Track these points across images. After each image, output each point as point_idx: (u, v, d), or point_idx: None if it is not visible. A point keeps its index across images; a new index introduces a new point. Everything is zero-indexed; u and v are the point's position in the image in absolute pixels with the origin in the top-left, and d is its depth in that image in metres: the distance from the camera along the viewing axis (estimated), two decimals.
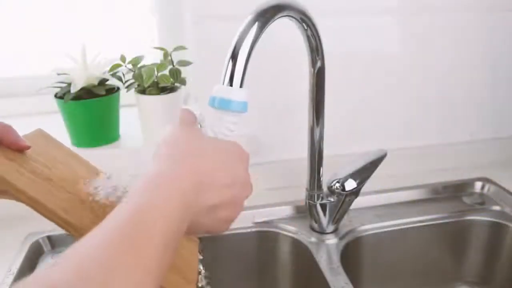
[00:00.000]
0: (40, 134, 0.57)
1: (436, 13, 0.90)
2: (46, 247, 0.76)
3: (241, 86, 0.50)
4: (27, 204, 0.48)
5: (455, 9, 0.90)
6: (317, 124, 0.72)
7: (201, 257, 0.60)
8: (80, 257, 0.31)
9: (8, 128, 0.49)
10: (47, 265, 0.30)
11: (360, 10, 0.86)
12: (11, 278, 0.67)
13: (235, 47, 0.50)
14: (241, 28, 0.52)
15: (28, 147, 0.51)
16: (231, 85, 0.49)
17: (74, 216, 0.49)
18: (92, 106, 0.83)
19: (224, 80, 0.49)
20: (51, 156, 0.54)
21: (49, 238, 0.76)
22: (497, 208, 0.87)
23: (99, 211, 0.51)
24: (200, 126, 0.49)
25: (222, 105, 0.48)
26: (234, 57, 0.50)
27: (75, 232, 0.48)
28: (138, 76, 0.82)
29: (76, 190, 0.51)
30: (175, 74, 0.83)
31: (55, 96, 0.84)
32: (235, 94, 0.48)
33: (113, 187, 0.51)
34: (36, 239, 0.75)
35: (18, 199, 0.48)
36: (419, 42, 0.91)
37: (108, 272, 0.30)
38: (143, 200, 0.35)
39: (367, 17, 0.86)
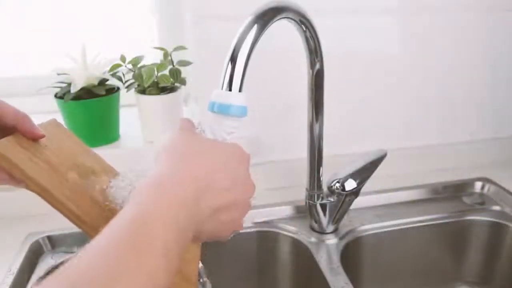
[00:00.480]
0: (55, 124, 0.58)
1: (436, 13, 0.90)
2: (46, 247, 0.76)
3: (240, 90, 0.49)
4: (37, 193, 0.48)
5: (455, 9, 0.90)
6: (317, 125, 0.72)
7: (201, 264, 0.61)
8: (84, 264, 0.31)
9: (24, 117, 0.50)
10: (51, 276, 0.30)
11: (360, 10, 0.86)
12: (11, 278, 0.67)
13: (234, 50, 0.50)
14: (240, 30, 0.51)
15: (43, 136, 0.51)
16: (230, 89, 0.49)
17: (81, 207, 0.49)
18: (92, 106, 0.83)
19: (223, 84, 0.49)
20: (64, 146, 0.55)
21: (49, 238, 0.76)
22: (497, 208, 0.87)
23: (106, 204, 0.51)
24: (201, 131, 0.48)
25: (222, 110, 0.48)
26: (233, 60, 0.49)
27: (81, 223, 0.49)
28: (138, 76, 0.82)
29: (91, 189, 0.51)
30: (175, 74, 0.83)
31: (55, 96, 0.84)
32: (234, 98, 0.48)
33: (128, 190, 0.51)
34: (36, 239, 0.75)
35: (28, 188, 0.48)
36: (419, 42, 0.91)
37: (111, 279, 0.30)
38: (144, 207, 0.35)
39: (367, 17, 0.86)
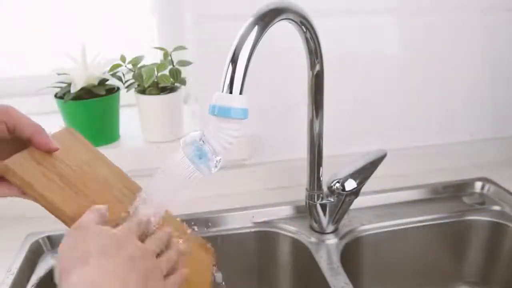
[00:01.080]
0: (68, 132, 0.58)
1: (436, 13, 0.90)
2: (46, 247, 0.76)
3: (241, 92, 0.49)
4: (46, 209, 0.48)
5: (455, 9, 0.90)
6: (317, 125, 0.72)
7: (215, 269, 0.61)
8: None
9: (39, 129, 0.50)
10: None
11: (360, 11, 0.86)
12: (11, 278, 0.67)
13: (234, 52, 0.50)
14: (240, 32, 0.51)
15: (57, 149, 0.51)
16: (231, 91, 0.49)
17: None
18: (92, 106, 0.83)
19: (223, 86, 0.49)
20: (77, 156, 0.55)
21: (49, 238, 0.76)
22: (497, 208, 0.87)
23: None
24: (203, 142, 0.49)
25: (223, 113, 0.48)
26: (233, 62, 0.49)
27: None
28: (138, 76, 0.82)
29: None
30: (175, 74, 0.83)
31: (55, 96, 0.84)
32: (235, 101, 0.48)
33: (147, 214, 0.52)
34: (36, 239, 0.75)
35: (38, 202, 0.48)
36: (419, 42, 0.91)
37: None
38: None
39: (367, 17, 0.86)
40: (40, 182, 0.48)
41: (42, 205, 0.48)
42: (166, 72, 0.83)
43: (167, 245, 0.49)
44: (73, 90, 0.81)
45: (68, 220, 0.48)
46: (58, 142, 0.52)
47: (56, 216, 0.48)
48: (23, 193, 0.48)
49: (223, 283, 0.64)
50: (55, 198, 0.48)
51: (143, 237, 0.48)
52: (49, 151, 0.50)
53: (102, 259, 0.41)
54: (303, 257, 0.77)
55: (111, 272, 0.41)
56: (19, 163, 0.47)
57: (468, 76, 0.96)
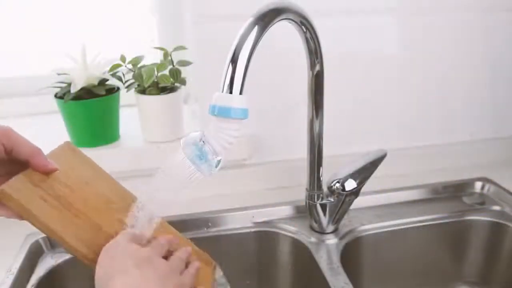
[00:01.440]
0: (67, 148, 0.57)
1: (436, 13, 0.90)
2: (46, 247, 0.76)
3: (241, 92, 0.49)
4: (45, 234, 0.48)
5: (455, 9, 0.90)
6: (317, 125, 0.72)
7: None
8: None
9: (37, 151, 0.49)
10: None
11: (360, 10, 0.86)
12: (11, 278, 0.67)
13: (234, 52, 0.50)
14: (240, 32, 0.51)
15: (56, 169, 0.50)
16: (231, 91, 0.49)
17: (92, 247, 0.49)
18: (92, 106, 0.83)
19: (223, 86, 0.49)
20: (77, 175, 0.54)
21: (48, 238, 0.76)
22: (497, 208, 0.87)
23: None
24: (204, 142, 0.49)
25: (223, 113, 0.48)
26: (233, 62, 0.49)
27: (92, 263, 0.48)
28: (138, 76, 0.82)
29: (105, 223, 0.52)
30: (175, 74, 0.83)
31: (55, 96, 0.84)
32: (235, 101, 0.48)
33: (145, 221, 0.52)
34: (36, 239, 0.75)
35: (36, 227, 0.48)
36: (419, 42, 0.91)
37: None
38: None
39: (367, 17, 0.86)
40: (38, 208, 0.47)
41: (41, 231, 0.48)
42: (166, 72, 0.83)
43: (187, 262, 0.54)
44: (73, 90, 0.81)
45: (67, 246, 0.48)
46: (57, 160, 0.51)
47: (56, 240, 0.48)
48: (21, 217, 0.48)
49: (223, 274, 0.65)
50: (53, 225, 0.47)
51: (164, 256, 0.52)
52: (47, 173, 0.50)
53: (140, 270, 0.46)
54: (303, 257, 0.77)
55: (150, 279, 0.46)
56: (16, 188, 0.47)
57: (468, 76, 0.96)
